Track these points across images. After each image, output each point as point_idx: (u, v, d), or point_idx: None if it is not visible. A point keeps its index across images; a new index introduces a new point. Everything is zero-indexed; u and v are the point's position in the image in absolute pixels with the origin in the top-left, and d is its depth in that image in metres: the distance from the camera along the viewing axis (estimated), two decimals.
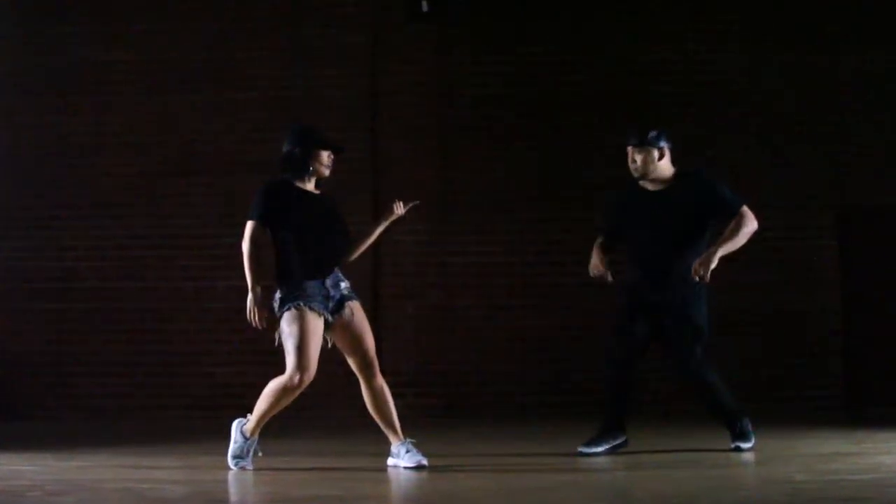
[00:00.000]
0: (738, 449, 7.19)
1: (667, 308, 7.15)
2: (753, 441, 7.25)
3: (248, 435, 6.74)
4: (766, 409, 9.93)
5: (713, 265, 7.01)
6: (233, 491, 6.18)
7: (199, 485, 6.30)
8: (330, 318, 6.59)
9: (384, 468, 6.69)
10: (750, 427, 7.29)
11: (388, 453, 6.76)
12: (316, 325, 6.54)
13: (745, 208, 7.18)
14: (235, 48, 10.62)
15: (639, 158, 7.27)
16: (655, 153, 7.26)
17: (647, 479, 6.39)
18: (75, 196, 10.52)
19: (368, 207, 10.24)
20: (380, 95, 10.58)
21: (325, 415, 9.68)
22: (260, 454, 6.75)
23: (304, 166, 6.68)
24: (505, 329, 10.39)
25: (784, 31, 10.58)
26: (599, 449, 7.17)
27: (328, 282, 6.63)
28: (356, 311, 6.67)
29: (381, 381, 6.72)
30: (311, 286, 6.58)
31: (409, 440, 6.72)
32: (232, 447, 6.75)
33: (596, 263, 7.34)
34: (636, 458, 7.09)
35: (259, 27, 10.67)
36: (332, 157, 6.74)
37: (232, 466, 6.70)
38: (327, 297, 6.60)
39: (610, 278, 7.35)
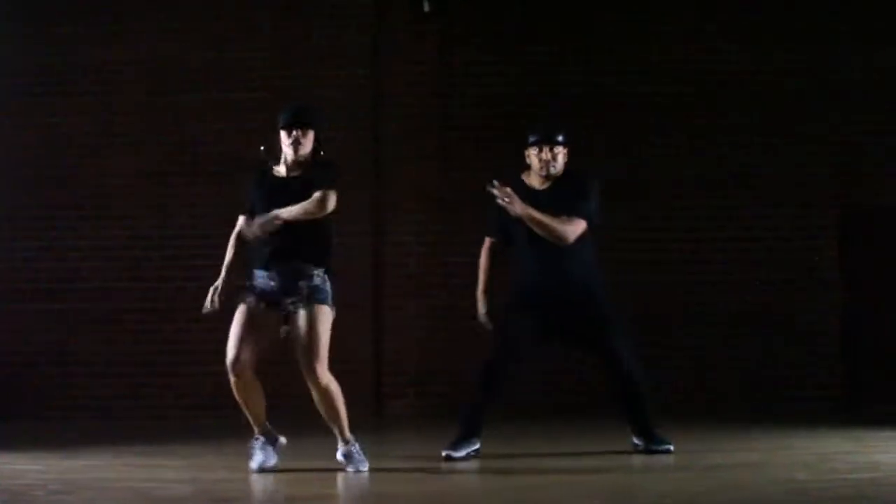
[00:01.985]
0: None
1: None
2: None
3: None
4: (766, 409, 9.98)
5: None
6: (237, 490, 6.20)
7: (203, 484, 6.32)
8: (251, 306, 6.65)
9: (380, 468, 6.69)
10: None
11: (385, 454, 6.78)
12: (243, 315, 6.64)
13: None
14: (237, 48, 10.62)
15: (560, 156, 7.47)
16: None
17: (647, 479, 6.41)
18: (78, 196, 10.52)
19: (368, 207, 10.26)
20: (382, 95, 10.59)
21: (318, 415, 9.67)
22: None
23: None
24: None
25: (787, 30, 10.57)
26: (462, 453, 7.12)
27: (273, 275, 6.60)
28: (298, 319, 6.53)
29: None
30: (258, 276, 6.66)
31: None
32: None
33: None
34: (635, 459, 7.11)
35: (261, 27, 10.67)
36: (291, 134, 6.58)
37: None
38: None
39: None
